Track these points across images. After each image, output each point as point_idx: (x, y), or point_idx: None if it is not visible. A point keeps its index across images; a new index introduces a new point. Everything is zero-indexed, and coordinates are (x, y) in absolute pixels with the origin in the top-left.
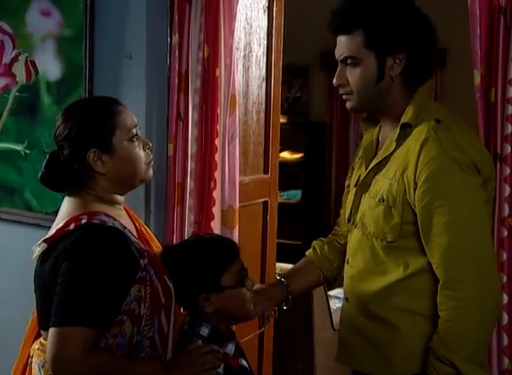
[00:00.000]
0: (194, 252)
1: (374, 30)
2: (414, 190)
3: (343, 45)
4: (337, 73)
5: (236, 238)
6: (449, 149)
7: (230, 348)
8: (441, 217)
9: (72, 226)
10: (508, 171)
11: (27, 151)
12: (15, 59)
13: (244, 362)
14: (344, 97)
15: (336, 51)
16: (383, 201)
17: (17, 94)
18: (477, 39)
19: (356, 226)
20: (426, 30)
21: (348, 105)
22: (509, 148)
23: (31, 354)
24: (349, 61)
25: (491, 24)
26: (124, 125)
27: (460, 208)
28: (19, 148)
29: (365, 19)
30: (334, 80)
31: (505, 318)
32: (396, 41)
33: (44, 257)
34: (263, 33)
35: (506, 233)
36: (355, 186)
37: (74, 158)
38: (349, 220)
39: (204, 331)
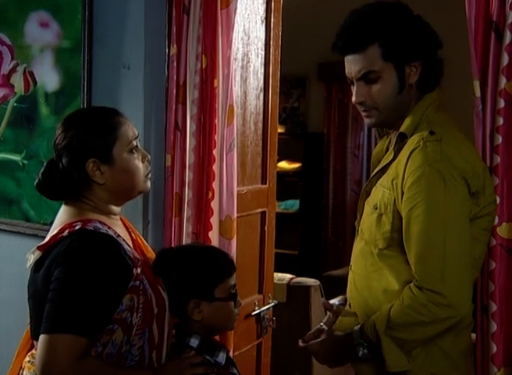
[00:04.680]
0: (193, 258)
1: (390, 42)
2: (402, 198)
3: (357, 63)
4: (356, 90)
5: (234, 248)
6: (435, 161)
7: (222, 357)
8: (416, 226)
9: (65, 233)
10: (497, 181)
11: (25, 162)
12: (13, 70)
13: (235, 371)
14: (365, 113)
15: (348, 71)
16: (376, 208)
17: (15, 104)
18: (473, 51)
19: (359, 233)
20: (433, 36)
21: (369, 121)
22: (498, 159)
23: (22, 366)
24: (371, 76)
25: (486, 37)
26: (125, 137)
27: (436, 220)
28: (16, 158)
29: (379, 33)
30: (354, 99)
31: (493, 326)
32: (411, 49)
33: (38, 265)
34: (261, 44)
35: (494, 242)
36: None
37: (73, 167)
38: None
39: (194, 342)
